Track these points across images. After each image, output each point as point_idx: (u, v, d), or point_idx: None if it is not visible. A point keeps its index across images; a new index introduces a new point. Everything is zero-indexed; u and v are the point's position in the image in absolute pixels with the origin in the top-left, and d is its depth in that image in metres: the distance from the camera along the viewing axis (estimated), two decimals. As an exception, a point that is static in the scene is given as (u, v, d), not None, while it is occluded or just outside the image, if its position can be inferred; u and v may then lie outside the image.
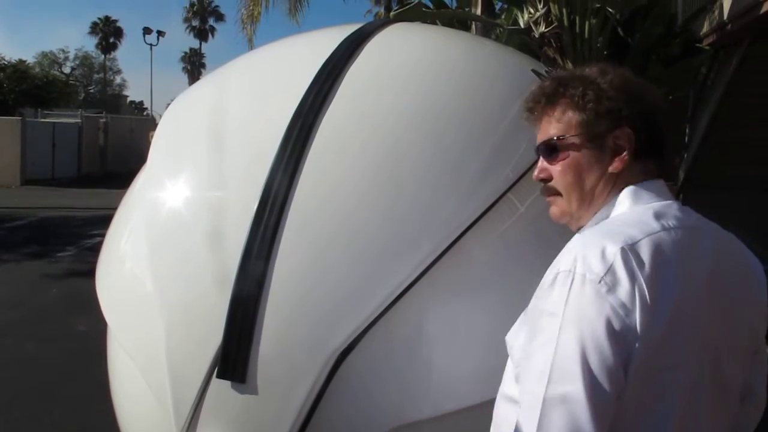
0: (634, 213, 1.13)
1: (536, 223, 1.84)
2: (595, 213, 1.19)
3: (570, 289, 1.02)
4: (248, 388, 1.57)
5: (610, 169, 1.17)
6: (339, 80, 1.90)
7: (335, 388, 1.56)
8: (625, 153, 1.17)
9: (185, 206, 1.88)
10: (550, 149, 1.23)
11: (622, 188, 1.17)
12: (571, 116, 1.21)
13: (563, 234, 1.82)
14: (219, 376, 1.57)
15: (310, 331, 1.59)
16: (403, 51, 2.23)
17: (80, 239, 10.60)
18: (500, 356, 1.67)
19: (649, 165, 1.19)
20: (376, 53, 2.08)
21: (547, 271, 1.09)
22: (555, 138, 1.22)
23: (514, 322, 1.25)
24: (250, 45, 11.18)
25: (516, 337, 1.19)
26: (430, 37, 2.55)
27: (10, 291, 7.37)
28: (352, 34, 2.14)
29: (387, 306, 1.58)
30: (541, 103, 1.25)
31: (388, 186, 1.73)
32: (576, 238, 1.12)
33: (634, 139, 1.16)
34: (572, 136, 1.20)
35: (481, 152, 1.85)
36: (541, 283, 1.10)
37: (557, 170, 1.23)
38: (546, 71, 2.29)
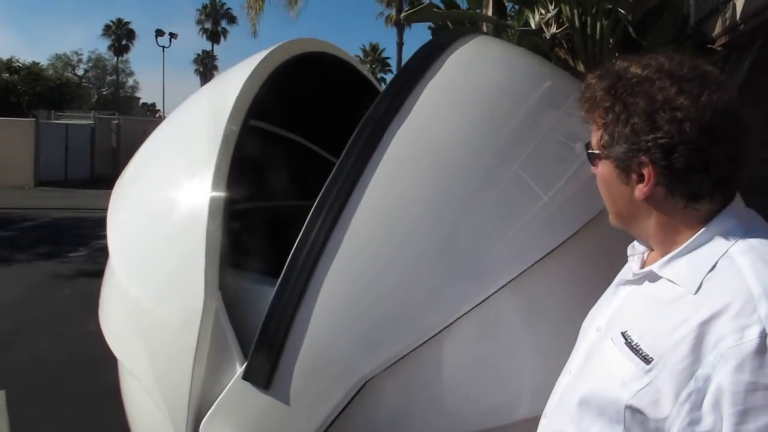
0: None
1: (594, 263, 1.72)
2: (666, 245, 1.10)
3: None
4: (271, 395, 1.55)
5: (636, 194, 1.09)
6: (413, 95, 1.78)
7: (355, 407, 1.55)
8: (645, 183, 1.07)
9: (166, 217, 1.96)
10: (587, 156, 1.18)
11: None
12: (597, 131, 1.14)
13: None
14: (244, 378, 1.56)
15: (346, 351, 1.55)
16: (483, 72, 2.06)
17: (92, 240, 10.66)
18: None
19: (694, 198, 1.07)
20: (455, 70, 1.93)
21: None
22: (586, 148, 1.17)
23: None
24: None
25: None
26: (514, 61, 2.33)
27: (23, 291, 7.43)
28: (428, 45, 2.01)
29: (425, 340, 1.53)
30: (584, 109, 1.16)
31: (451, 216, 1.65)
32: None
33: (653, 171, 1.05)
34: (597, 152, 1.14)
35: (555, 196, 1.73)
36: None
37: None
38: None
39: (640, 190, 1.08)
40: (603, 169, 1.14)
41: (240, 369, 1.63)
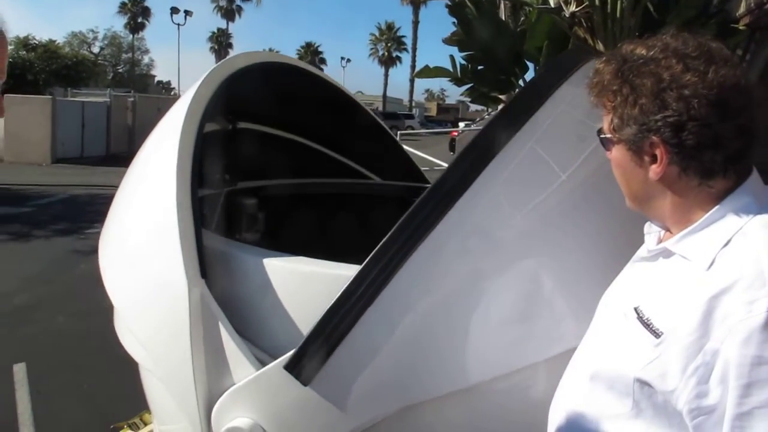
0: None
1: None
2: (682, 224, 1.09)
3: None
4: (311, 389, 1.51)
5: (650, 175, 1.09)
6: (531, 122, 1.63)
7: (386, 426, 1.53)
8: (658, 163, 1.07)
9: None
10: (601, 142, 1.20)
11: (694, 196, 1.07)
12: (608, 115, 1.15)
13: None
14: (286, 368, 1.51)
15: (398, 375, 1.50)
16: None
17: (109, 217, 10.74)
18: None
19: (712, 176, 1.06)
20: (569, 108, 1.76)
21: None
22: (598, 134, 1.18)
23: None
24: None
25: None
26: None
27: (41, 266, 7.52)
28: (556, 64, 1.84)
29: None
30: (593, 94, 1.16)
31: (538, 269, 1.55)
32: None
33: (665, 151, 1.05)
34: (608, 136, 1.15)
35: None
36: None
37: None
38: None
39: (654, 170, 1.08)
40: (616, 154, 1.15)
41: (247, 358, 1.62)
